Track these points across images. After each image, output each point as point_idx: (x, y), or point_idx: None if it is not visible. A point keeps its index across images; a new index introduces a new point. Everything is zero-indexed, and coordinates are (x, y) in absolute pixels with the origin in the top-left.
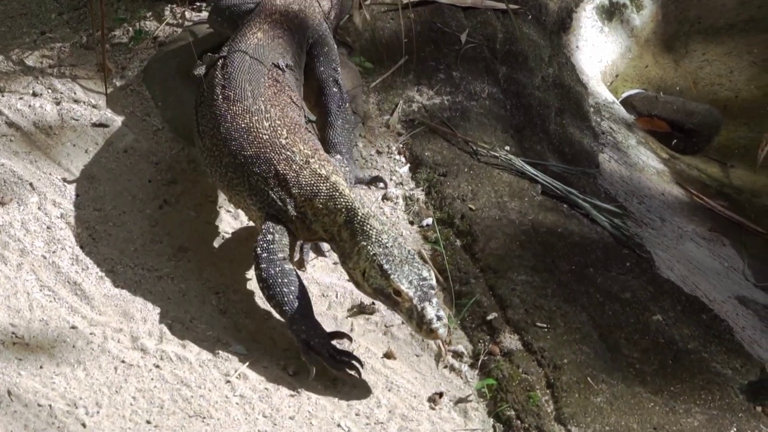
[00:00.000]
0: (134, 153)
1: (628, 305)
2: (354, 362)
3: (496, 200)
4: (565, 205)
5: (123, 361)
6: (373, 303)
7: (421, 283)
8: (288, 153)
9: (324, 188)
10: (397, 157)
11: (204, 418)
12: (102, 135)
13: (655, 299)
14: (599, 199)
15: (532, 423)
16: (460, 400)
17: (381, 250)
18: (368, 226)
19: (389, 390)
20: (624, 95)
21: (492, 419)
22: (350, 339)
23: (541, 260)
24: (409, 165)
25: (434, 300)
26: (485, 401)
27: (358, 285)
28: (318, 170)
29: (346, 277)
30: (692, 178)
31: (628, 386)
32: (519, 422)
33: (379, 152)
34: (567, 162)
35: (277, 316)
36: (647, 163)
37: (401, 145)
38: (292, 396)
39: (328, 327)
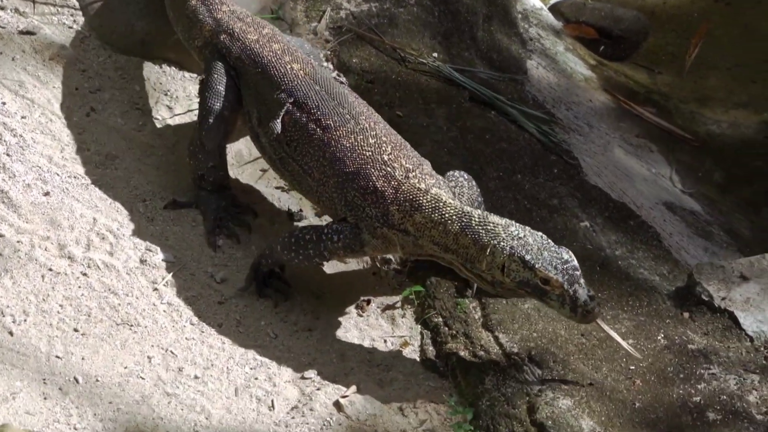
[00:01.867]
0: (61, 61)
1: (555, 211)
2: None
3: (423, 107)
4: (492, 112)
5: (50, 269)
6: (301, 210)
7: (565, 266)
8: (388, 169)
9: (425, 201)
10: (325, 64)
11: (131, 325)
12: (29, 43)
13: (583, 206)
14: (527, 106)
15: (459, 329)
16: (388, 307)
17: (516, 242)
18: (491, 224)
19: (316, 297)
20: (552, 1)
21: (419, 326)
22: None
23: (468, 167)
24: (336, 72)
25: (582, 281)
26: (413, 308)
27: (494, 285)
28: (417, 184)
29: (275, 184)
30: (620, 85)
31: None
32: (446, 329)
33: None
34: (495, 69)
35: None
36: (575, 69)
37: (329, 52)
38: (219, 303)
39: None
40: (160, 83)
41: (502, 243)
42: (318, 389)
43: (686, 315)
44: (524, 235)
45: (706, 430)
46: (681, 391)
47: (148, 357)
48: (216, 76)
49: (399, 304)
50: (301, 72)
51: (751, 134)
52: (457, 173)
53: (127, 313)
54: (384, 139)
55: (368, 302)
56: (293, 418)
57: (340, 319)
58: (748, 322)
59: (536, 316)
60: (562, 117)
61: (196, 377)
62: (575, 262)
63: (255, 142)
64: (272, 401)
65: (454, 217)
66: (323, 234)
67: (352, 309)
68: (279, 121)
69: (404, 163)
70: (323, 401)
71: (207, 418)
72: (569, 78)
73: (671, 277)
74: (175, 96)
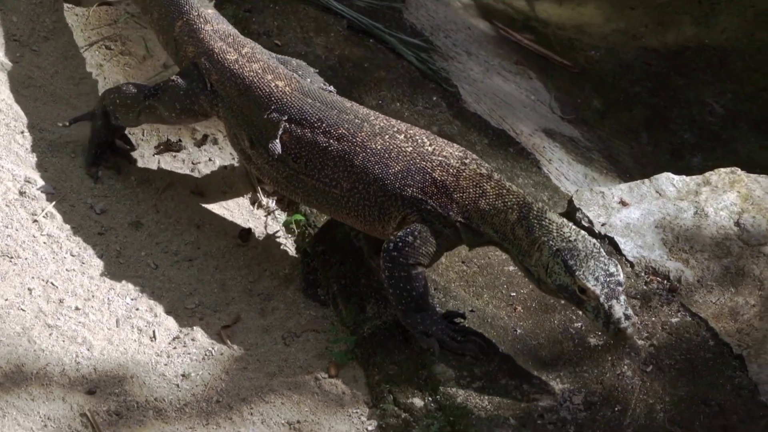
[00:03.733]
0: None
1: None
2: (474, 337)
3: (302, 36)
4: (371, 40)
5: None
6: (180, 140)
7: (608, 279)
8: (440, 158)
9: (489, 187)
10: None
11: (11, 257)
12: None
13: (463, 133)
14: (405, 34)
15: (340, 258)
16: (268, 236)
17: (564, 244)
18: (546, 220)
19: (197, 227)
20: None
21: (300, 255)
22: (464, 317)
23: (347, 95)
24: (214, 1)
25: (622, 297)
26: (293, 236)
27: (539, 283)
28: (477, 170)
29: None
30: (498, 12)
31: None
32: (328, 257)
33: None
34: None
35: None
36: None
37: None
38: (99, 234)
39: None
40: (37, 14)
41: (551, 242)
42: (199, 319)
43: None
44: (575, 239)
45: (587, 355)
46: (562, 318)
47: (29, 289)
48: (184, 81)
49: (280, 234)
50: (287, 88)
51: (630, 60)
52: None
53: (7, 245)
54: (411, 132)
55: (249, 232)
56: (175, 348)
57: (221, 249)
58: (629, 248)
59: None
60: (441, 44)
61: (77, 309)
62: (620, 277)
63: (248, 163)
64: (154, 332)
65: (515, 206)
66: (396, 245)
67: (232, 239)
68: (278, 141)
69: (452, 151)
70: (205, 331)
71: (89, 350)
72: (448, 5)
73: (551, 203)
74: (52, 28)
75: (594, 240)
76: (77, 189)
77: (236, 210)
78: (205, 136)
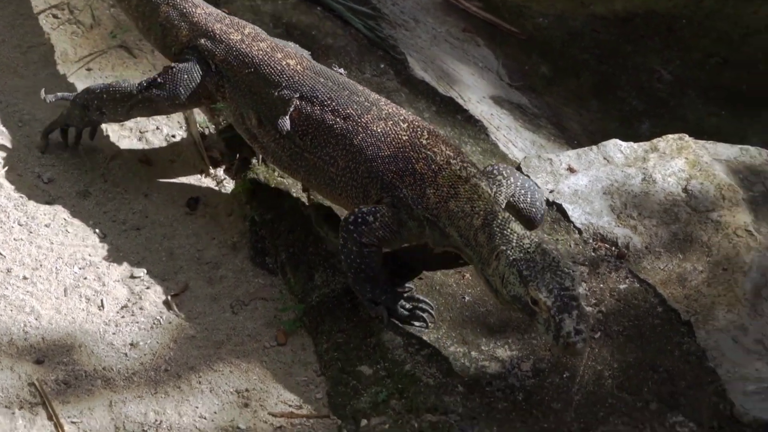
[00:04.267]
0: None
1: None
2: (422, 305)
3: (249, 4)
4: (318, 8)
5: None
6: None
7: (562, 292)
8: (429, 153)
9: (462, 191)
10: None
11: None
12: None
13: (410, 100)
14: (353, 2)
15: (288, 226)
16: (217, 205)
17: (522, 255)
18: (509, 230)
19: (145, 196)
20: None
21: (248, 223)
22: (412, 285)
23: None
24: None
25: (575, 312)
26: (241, 205)
27: (496, 294)
28: (458, 172)
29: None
30: None
31: None
32: (276, 225)
33: None
34: None
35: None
36: None
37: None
38: (47, 203)
39: None
40: None
41: (509, 251)
42: (147, 288)
43: None
44: (534, 251)
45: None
46: None
47: None
48: (186, 65)
49: (228, 202)
50: (299, 67)
51: (578, 27)
52: (499, 167)
53: None
54: (416, 124)
55: (197, 200)
56: (123, 317)
57: (169, 217)
58: (577, 215)
59: None
60: (388, 12)
61: (24, 278)
62: (576, 293)
63: (253, 142)
64: (102, 301)
65: (482, 212)
66: (356, 219)
67: (180, 207)
68: (287, 118)
69: (444, 149)
70: (153, 300)
71: (37, 319)
72: None
73: None
74: None
75: (555, 254)
76: (24, 158)
77: (184, 179)
78: None
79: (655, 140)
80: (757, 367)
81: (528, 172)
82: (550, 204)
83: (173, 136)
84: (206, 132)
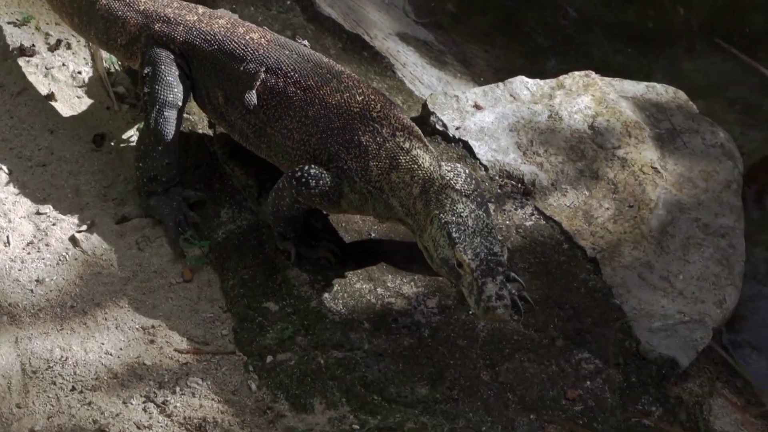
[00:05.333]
0: None
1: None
2: (327, 243)
3: None
4: None
5: None
6: (33, 45)
7: (489, 257)
8: (376, 125)
9: (403, 161)
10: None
11: None
12: None
13: (317, 37)
14: None
15: (194, 162)
16: (123, 141)
17: (454, 218)
18: (444, 195)
19: (51, 132)
20: None
21: None
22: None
23: (201, 3)
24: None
25: (499, 278)
26: None
27: (431, 259)
28: (402, 144)
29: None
30: None
31: None
32: (182, 161)
33: None
34: None
35: None
36: None
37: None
38: None
39: None
40: None
41: (441, 215)
42: (53, 225)
43: None
44: (467, 215)
45: None
46: None
47: None
48: (163, 66)
49: (134, 136)
50: (263, 40)
51: None
52: (456, 165)
53: None
54: (372, 97)
55: (102, 137)
56: (29, 253)
57: (75, 154)
58: (483, 151)
59: None
60: None
61: None
62: (503, 259)
63: (220, 121)
64: (7, 237)
65: (420, 180)
66: (300, 177)
67: (86, 144)
68: (254, 92)
69: (393, 122)
70: (59, 236)
71: None
72: None
73: (406, 107)
74: None
75: (489, 221)
76: None
77: (90, 115)
78: (59, 41)
79: (561, 77)
80: (663, 304)
81: (434, 109)
82: (456, 141)
83: (79, 73)
84: (112, 68)
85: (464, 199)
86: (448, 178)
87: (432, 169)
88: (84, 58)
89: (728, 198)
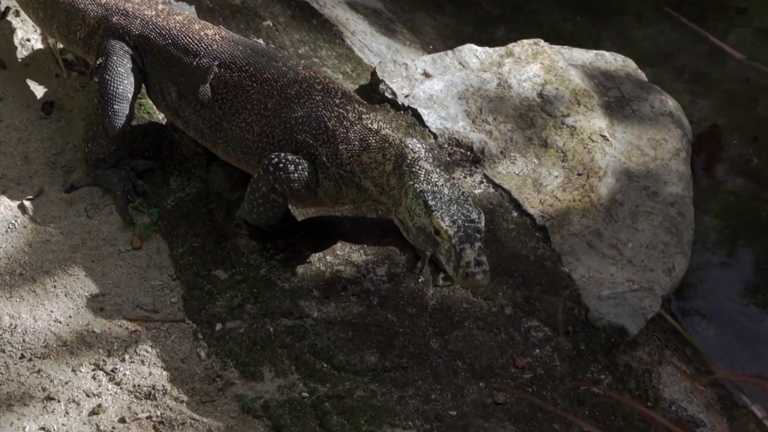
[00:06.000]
0: None
1: (238, 11)
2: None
3: None
4: None
5: None
6: None
7: (466, 224)
8: (341, 110)
9: (374, 142)
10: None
11: None
12: None
13: (266, 5)
14: None
15: (143, 131)
16: (72, 109)
17: (429, 187)
18: (417, 167)
19: (0, 100)
20: None
21: None
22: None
23: None
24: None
25: (477, 244)
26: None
27: (407, 231)
28: (370, 125)
29: None
30: None
31: None
32: (130, 129)
33: None
34: None
35: None
36: None
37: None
38: None
39: None
40: None
41: (416, 184)
42: (2, 192)
43: (375, 108)
44: (443, 185)
45: (390, 228)
46: None
47: None
48: (115, 57)
49: (83, 106)
50: (218, 36)
51: None
52: (413, 140)
53: None
54: (331, 86)
55: (52, 104)
56: None
57: (24, 122)
58: (432, 119)
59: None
60: None
61: None
62: (480, 225)
63: (174, 118)
64: None
65: (393, 157)
66: (278, 163)
67: (35, 111)
68: (207, 86)
69: (357, 107)
70: (8, 204)
71: None
72: None
73: (355, 75)
74: None
75: (465, 191)
76: None
77: (39, 82)
78: (8, 9)
79: (510, 45)
80: (612, 272)
81: (383, 77)
82: (405, 109)
83: (28, 40)
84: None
85: (437, 169)
86: (417, 151)
87: (402, 144)
88: (33, 26)
89: (677, 166)
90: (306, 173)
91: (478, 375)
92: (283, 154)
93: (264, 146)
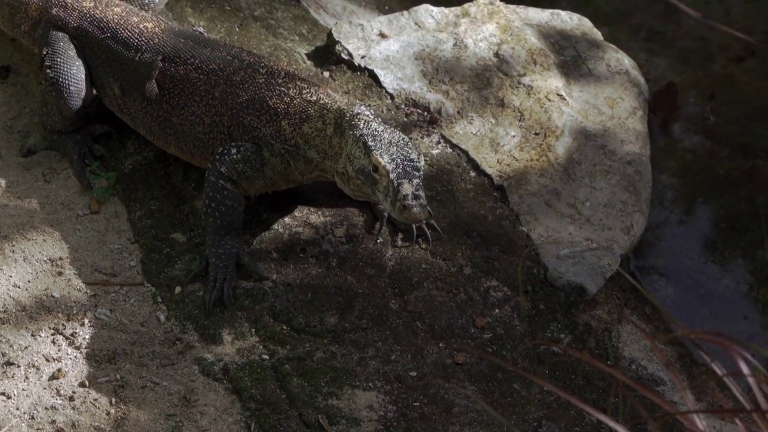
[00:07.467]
0: None
1: None
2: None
3: None
4: None
5: None
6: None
7: (405, 162)
8: (282, 89)
9: (313, 111)
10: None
11: None
12: None
13: None
14: None
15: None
16: (28, 73)
17: (369, 131)
18: (357, 119)
19: None
20: None
21: None
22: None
23: None
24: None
25: (415, 180)
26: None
27: (348, 180)
28: (309, 98)
29: None
30: None
31: None
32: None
33: None
34: None
35: None
36: None
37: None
38: None
39: None
40: None
41: (356, 131)
42: None
43: (327, 74)
44: (382, 131)
45: None
46: None
47: None
48: (61, 44)
49: (39, 71)
50: (158, 29)
51: None
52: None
53: None
54: (275, 68)
55: (8, 69)
56: None
57: None
58: (388, 80)
59: None
60: None
61: None
62: (419, 164)
63: (121, 114)
64: None
65: (332, 120)
66: (222, 151)
67: None
68: (154, 82)
69: (299, 83)
70: None
71: None
72: None
73: (311, 36)
74: None
75: (407, 138)
76: None
77: None
78: None
79: (466, 5)
80: (570, 231)
81: (339, 38)
82: (362, 70)
83: None
84: None
85: (378, 119)
86: (359, 110)
87: (341, 106)
88: None
89: (634, 125)
90: (249, 153)
91: (437, 335)
92: (225, 144)
93: (215, 136)
